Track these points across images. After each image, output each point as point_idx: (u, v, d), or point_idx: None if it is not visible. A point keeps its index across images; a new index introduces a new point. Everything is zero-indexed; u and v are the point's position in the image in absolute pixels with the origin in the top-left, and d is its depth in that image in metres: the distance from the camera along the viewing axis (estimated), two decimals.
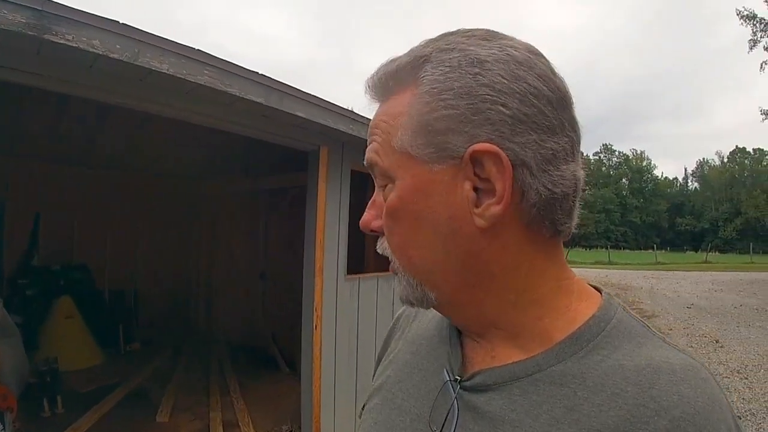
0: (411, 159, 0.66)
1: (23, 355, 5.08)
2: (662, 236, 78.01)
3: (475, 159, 0.63)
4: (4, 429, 3.62)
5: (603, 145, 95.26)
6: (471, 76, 0.62)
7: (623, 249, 65.77)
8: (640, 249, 64.87)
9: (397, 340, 0.94)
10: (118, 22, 2.42)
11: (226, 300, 8.01)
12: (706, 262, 35.26)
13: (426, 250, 0.68)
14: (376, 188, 0.74)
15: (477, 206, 0.64)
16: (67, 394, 5.03)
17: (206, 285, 8.54)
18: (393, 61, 0.70)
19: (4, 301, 4.94)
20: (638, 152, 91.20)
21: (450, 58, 0.64)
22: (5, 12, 2.14)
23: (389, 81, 0.69)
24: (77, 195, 7.31)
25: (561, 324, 0.67)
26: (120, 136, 5.81)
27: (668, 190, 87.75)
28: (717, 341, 9.06)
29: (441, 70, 0.64)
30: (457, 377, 0.72)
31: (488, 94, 0.61)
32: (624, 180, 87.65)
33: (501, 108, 0.61)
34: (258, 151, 5.64)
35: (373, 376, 0.95)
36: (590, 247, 65.92)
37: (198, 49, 2.82)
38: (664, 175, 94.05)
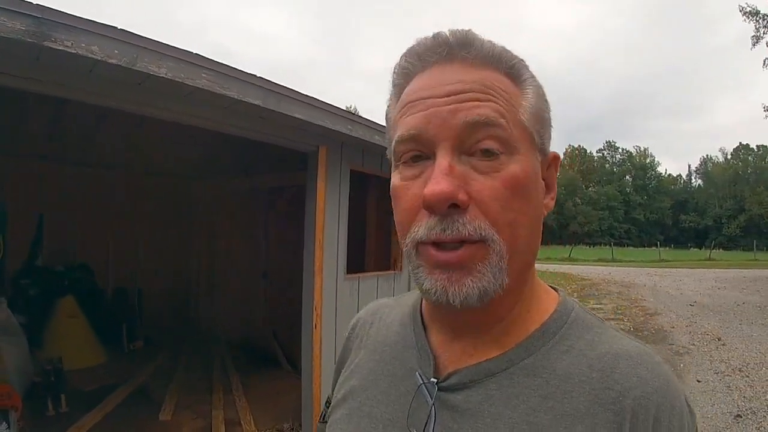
0: (530, 140, 0.69)
1: (27, 355, 5.16)
2: (666, 233, 77.89)
3: (552, 162, 0.76)
4: (9, 427, 3.68)
5: (606, 142, 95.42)
6: (546, 97, 0.75)
7: (627, 246, 65.71)
8: (644, 246, 64.71)
9: (357, 350, 0.92)
10: (116, 27, 2.46)
11: (228, 299, 8.05)
12: (709, 259, 35.14)
13: (527, 229, 0.68)
14: (445, 155, 0.65)
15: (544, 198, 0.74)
16: (71, 393, 5.07)
17: (207, 284, 8.58)
18: (486, 41, 0.70)
19: (7, 301, 5.02)
20: (642, 149, 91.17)
21: (533, 75, 0.73)
22: (4, 20, 2.18)
23: (500, 58, 0.69)
24: (78, 195, 7.36)
25: (535, 317, 0.74)
26: (119, 136, 5.85)
27: (672, 187, 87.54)
28: (719, 339, 9.04)
29: (534, 81, 0.73)
30: (432, 379, 0.73)
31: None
32: (627, 177, 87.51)
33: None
34: (257, 150, 5.67)
35: (333, 387, 0.94)
36: (594, 245, 65.92)
37: (196, 53, 2.86)
38: (667, 172, 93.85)
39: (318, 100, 3.78)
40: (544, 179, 0.74)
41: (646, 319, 11.15)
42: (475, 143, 0.65)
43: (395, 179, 0.71)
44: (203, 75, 2.89)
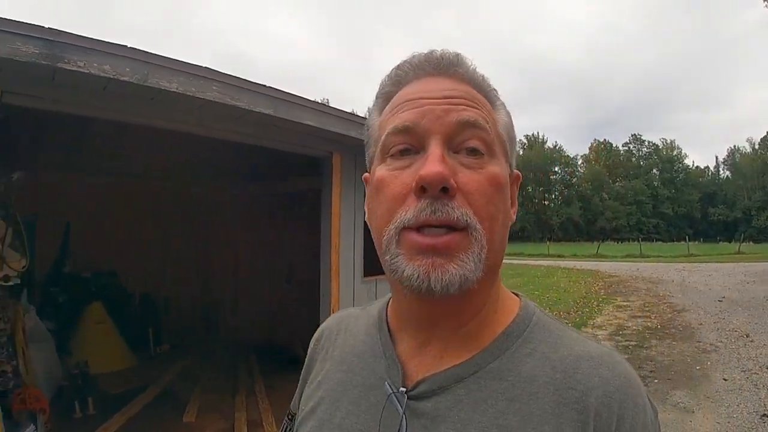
0: (504, 151, 0.76)
1: (55, 359, 5.31)
2: (695, 227, 76.72)
3: (515, 180, 0.81)
4: (36, 429, 3.79)
5: (632, 135, 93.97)
6: (513, 123, 0.83)
7: (655, 241, 64.72)
8: (673, 241, 63.64)
9: (323, 361, 0.92)
10: (126, 46, 2.55)
11: (252, 303, 8.15)
12: (739, 252, 34.40)
13: (501, 227, 0.72)
14: (437, 146, 0.68)
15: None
16: (98, 396, 5.20)
17: (232, 289, 8.69)
18: (473, 65, 0.78)
19: (36, 308, 5.17)
20: (668, 141, 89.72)
21: (503, 103, 0.81)
22: (18, 44, 2.28)
23: (482, 81, 0.78)
24: (105, 204, 7.51)
25: (500, 320, 0.77)
26: (141, 147, 5.97)
27: (700, 180, 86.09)
28: (747, 335, 8.88)
29: (505, 108, 0.81)
30: (401, 389, 0.74)
31: None
32: (654, 170, 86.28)
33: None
34: (276, 156, 5.76)
35: (299, 399, 0.94)
36: (622, 240, 65.02)
37: (205, 67, 2.94)
38: (695, 164, 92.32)
39: (328, 106, 3.85)
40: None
41: (673, 315, 11.01)
42: (463, 142, 0.70)
43: (382, 171, 0.73)
44: (213, 87, 2.97)
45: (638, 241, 48.50)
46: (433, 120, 0.70)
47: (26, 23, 2.35)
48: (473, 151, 0.70)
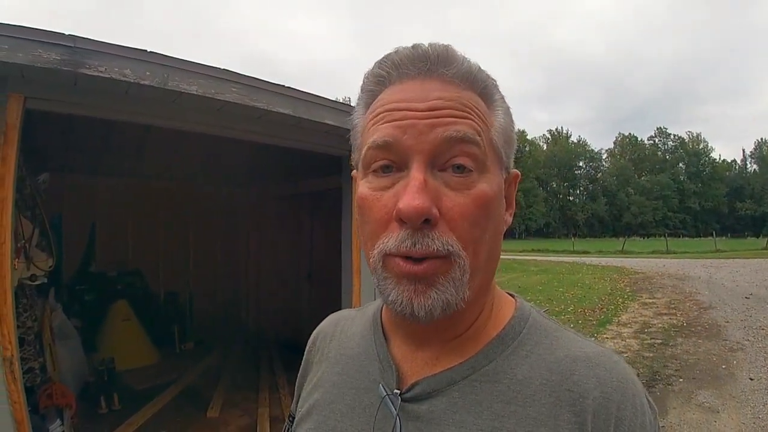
0: (499, 159, 0.72)
1: (81, 356, 5.40)
2: (722, 222, 75.64)
3: (513, 180, 0.78)
4: (62, 424, 3.87)
5: (657, 128, 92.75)
6: (512, 117, 0.77)
7: (682, 237, 63.96)
8: (700, 236, 62.83)
9: (319, 363, 0.92)
10: (146, 51, 2.59)
11: (274, 301, 8.21)
12: (767, 248, 33.90)
13: (488, 246, 0.69)
14: (419, 169, 0.65)
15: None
16: (123, 392, 5.30)
17: (255, 286, 8.77)
18: (464, 59, 0.70)
19: (63, 306, 5.27)
20: (694, 135, 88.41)
21: (502, 96, 0.76)
22: (40, 51, 2.34)
23: (476, 76, 0.71)
24: (130, 205, 7.63)
25: (495, 325, 0.76)
26: (164, 148, 6.05)
27: (727, 174, 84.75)
28: None
29: (503, 103, 0.75)
30: (395, 391, 0.74)
31: None
32: (681, 164, 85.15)
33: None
34: (298, 156, 5.80)
35: (297, 402, 0.94)
36: (648, 236, 64.37)
37: (224, 69, 2.98)
38: (722, 158, 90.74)
39: (348, 105, 3.87)
40: (506, 196, 0.76)
41: (700, 313, 10.83)
42: (449, 159, 0.65)
43: (364, 188, 0.70)
44: (233, 89, 3.01)
45: (664, 236, 48.00)
46: (415, 136, 0.65)
47: (47, 31, 2.40)
48: (461, 168, 0.66)
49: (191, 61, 2.80)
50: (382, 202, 0.67)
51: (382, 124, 0.68)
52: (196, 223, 8.53)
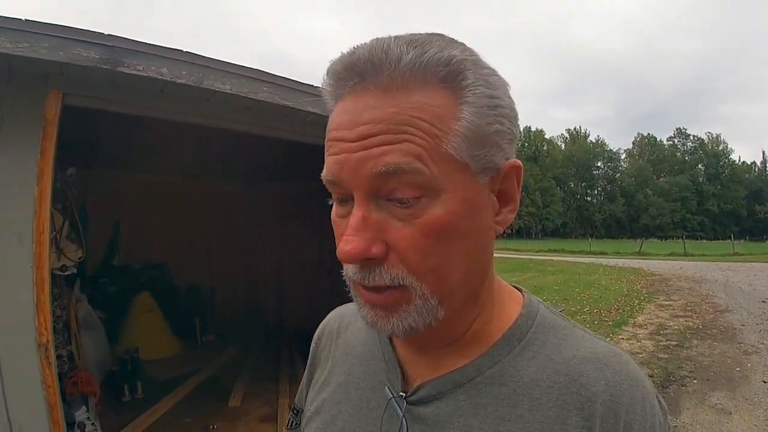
0: (463, 169, 0.62)
1: (106, 345, 5.54)
2: (741, 225, 74.92)
3: (509, 173, 0.68)
4: (87, 411, 3.98)
5: (676, 129, 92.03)
6: (508, 98, 0.67)
7: (700, 239, 63.42)
8: (718, 239, 62.22)
9: (326, 360, 0.92)
10: (182, 50, 2.69)
11: (295, 295, 8.30)
12: None
13: (461, 266, 0.65)
14: (359, 205, 0.61)
15: (497, 215, 0.69)
16: (146, 381, 5.43)
17: (276, 281, 8.88)
18: (411, 46, 0.60)
19: (88, 297, 5.39)
20: (714, 136, 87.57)
21: (487, 74, 0.64)
22: (80, 50, 2.44)
23: (429, 65, 0.60)
24: (154, 200, 7.76)
25: (499, 325, 0.74)
26: (189, 146, 6.16)
27: (746, 176, 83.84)
28: None
29: (484, 82, 0.63)
30: (401, 393, 0.73)
31: (515, 117, 0.68)
32: (700, 166, 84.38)
33: (516, 130, 0.68)
34: (320, 153, 5.88)
35: (305, 397, 0.94)
36: (666, 238, 63.94)
37: (256, 69, 3.07)
38: (741, 160, 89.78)
39: None
40: (500, 191, 0.68)
41: (716, 316, 10.81)
42: (390, 191, 0.60)
43: (333, 212, 0.68)
44: (264, 89, 3.10)
45: (682, 238, 47.63)
46: (350, 173, 0.61)
47: (87, 30, 2.50)
48: (402, 200, 0.60)
49: (225, 61, 2.90)
50: (341, 230, 0.65)
51: (328, 155, 0.64)
52: (219, 218, 8.63)
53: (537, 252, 38.24)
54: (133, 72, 2.54)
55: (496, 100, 0.64)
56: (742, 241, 54.49)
